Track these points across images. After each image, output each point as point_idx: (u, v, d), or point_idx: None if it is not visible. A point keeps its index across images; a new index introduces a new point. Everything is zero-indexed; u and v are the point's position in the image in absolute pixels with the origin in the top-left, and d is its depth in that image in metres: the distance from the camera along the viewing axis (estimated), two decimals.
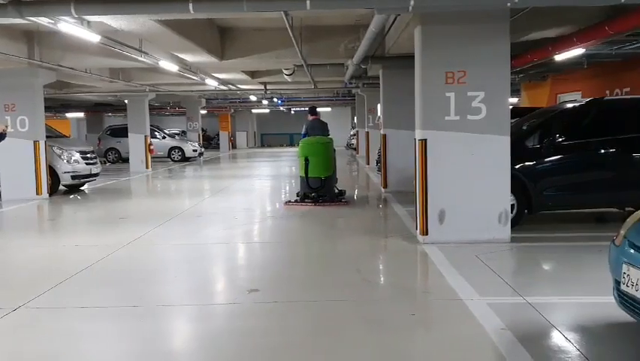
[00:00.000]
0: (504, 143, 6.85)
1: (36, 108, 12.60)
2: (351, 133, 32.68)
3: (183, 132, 30.64)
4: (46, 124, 13.21)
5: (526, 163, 7.66)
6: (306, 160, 10.81)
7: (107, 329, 4.52)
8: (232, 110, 36.75)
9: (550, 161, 7.74)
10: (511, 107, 7.26)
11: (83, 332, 4.44)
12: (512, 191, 7.05)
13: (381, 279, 6.15)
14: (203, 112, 31.62)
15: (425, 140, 6.90)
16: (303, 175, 10.86)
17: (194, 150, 26.62)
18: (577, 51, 9.76)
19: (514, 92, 16.85)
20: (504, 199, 6.93)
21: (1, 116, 12.27)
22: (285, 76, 15.32)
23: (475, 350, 3.92)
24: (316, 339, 4.19)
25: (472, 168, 6.88)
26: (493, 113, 6.82)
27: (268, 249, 7.60)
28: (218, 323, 4.67)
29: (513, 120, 7.75)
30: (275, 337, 4.25)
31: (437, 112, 6.86)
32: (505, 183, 6.90)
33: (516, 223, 7.34)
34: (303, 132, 11.73)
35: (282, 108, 34.88)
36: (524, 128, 8.28)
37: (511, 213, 7.17)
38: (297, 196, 11.13)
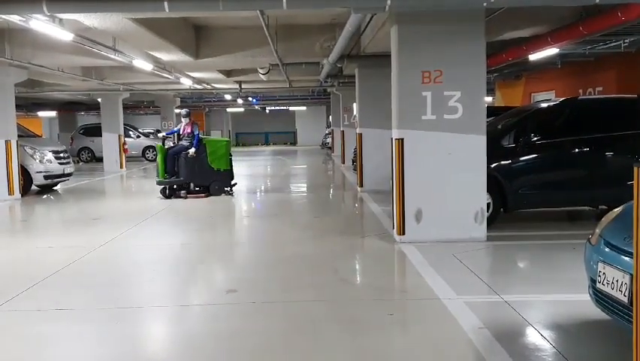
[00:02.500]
0: (480, 142, 6.91)
1: (7, 107, 12.33)
2: (327, 132, 32.69)
3: (158, 131, 30.29)
4: (17, 123, 12.94)
5: (502, 162, 7.73)
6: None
7: (82, 331, 4.43)
8: (207, 109, 36.48)
9: (526, 160, 7.82)
10: (486, 106, 7.32)
11: (56, 335, 4.36)
12: (488, 190, 7.11)
13: (359, 279, 6.15)
14: (178, 111, 31.29)
15: (402, 139, 6.93)
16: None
17: None
18: (551, 51, 9.90)
19: (489, 91, 17.03)
20: (480, 198, 6.99)
21: None
22: (261, 75, 15.24)
23: (453, 348, 3.95)
24: (293, 340, 4.17)
25: (448, 167, 6.92)
26: (469, 112, 6.87)
27: (245, 249, 7.56)
28: (196, 324, 4.61)
29: (488, 119, 7.81)
30: (252, 338, 4.22)
31: (414, 111, 6.89)
32: (482, 182, 6.96)
33: (492, 222, 7.40)
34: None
35: (257, 107, 34.73)
36: (499, 127, 8.36)
37: (487, 211, 7.24)
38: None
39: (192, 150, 11.78)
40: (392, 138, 7.15)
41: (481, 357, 3.74)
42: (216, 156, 12.09)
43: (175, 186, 11.88)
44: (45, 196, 13.10)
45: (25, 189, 12.82)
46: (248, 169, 20.79)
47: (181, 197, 11.74)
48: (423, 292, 5.16)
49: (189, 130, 12.11)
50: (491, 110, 10.81)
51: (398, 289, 5.74)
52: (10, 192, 12.15)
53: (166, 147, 12.38)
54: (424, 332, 4.28)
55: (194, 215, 9.95)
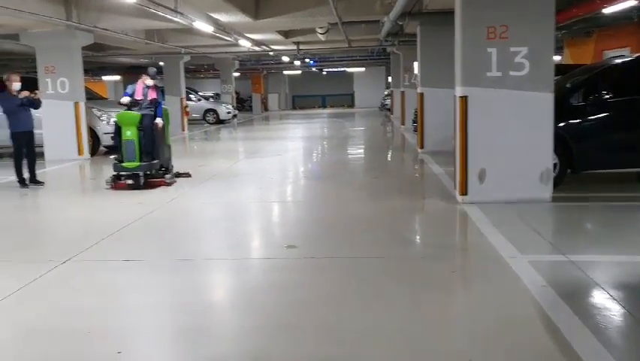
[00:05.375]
0: (548, 100, 6.66)
1: (75, 70, 12.77)
2: (386, 93, 32.27)
3: (217, 95, 30.75)
4: (84, 86, 13.39)
5: (570, 121, 7.45)
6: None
7: (148, 281, 4.63)
8: (264, 72, 36.63)
9: (595, 119, 7.49)
10: (554, 63, 7.03)
11: (125, 284, 4.57)
12: (555, 150, 6.88)
13: (420, 237, 6.13)
14: (237, 74, 31.59)
15: (466, 97, 6.76)
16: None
17: (228, 113, 26.69)
18: (628, 3, 9.31)
19: (557, 49, 16.31)
20: (546, 158, 6.77)
21: (42, 78, 12.50)
22: (319, 35, 15.15)
23: (516, 305, 3.89)
24: (353, 294, 4.20)
25: (514, 126, 6.72)
26: (536, 69, 6.62)
27: (305, 208, 7.64)
28: (256, 276, 4.73)
29: (556, 78, 7.51)
30: (310, 290, 4.29)
31: (478, 68, 6.69)
32: (548, 142, 6.74)
33: (558, 183, 7.18)
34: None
35: (314, 69, 34.58)
36: (568, 85, 8.02)
37: (554, 172, 7.02)
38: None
39: (160, 122, 9.05)
40: (455, 96, 6.99)
41: (545, 315, 3.68)
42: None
43: (141, 173, 8.68)
44: (112, 157, 13.54)
45: (94, 150, 13.34)
46: (305, 132, 20.88)
47: (167, 184, 8.91)
48: (486, 251, 5.10)
49: (154, 96, 9.20)
50: (560, 69, 10.41)
51: (460, 248, 5.69)
52: (80, 152, 12.68)
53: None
54: (486, 289, 4.23)
55: (252, 176, 10.10)
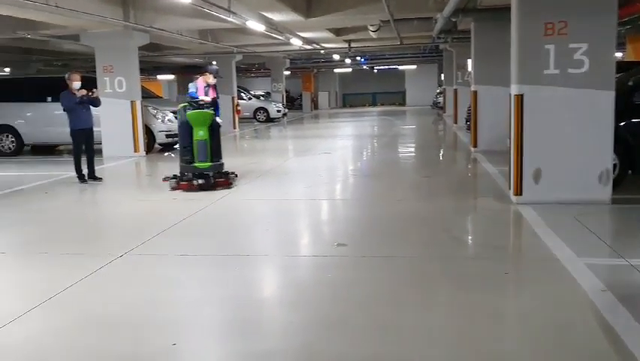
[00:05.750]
0: (608, 98, 6.43)
1: (132, 69, 13.13)
2: (438, 91, 31.85)
3: (268, 93, 31.05)
4: (141, 85, 13.75)
5: (631, 120, 7.17)
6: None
7: (202, 275, 4.71)
8: (315, 71, 36.74)
9: None
10: (615, 60, 6.77)
11: (178, 278, 4.66)
12: (615, 150, 6.64)
13: (472, 238, 6.02)
14: (287, 73, 31.82)
15: (522, 95, 6.60)
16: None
17: (278, 111, 26.92)
18: None
19: (619, 45, 15.71)
20: (606, 158, 6.54)
21: (100, 77, 12.92)
22: (371, 33, 15.08)
23: (573, 309, 3.77)
24: (403, 293, 4.16)
25: (572, 125, 6.52)
26: (596, 66, 6.40)
27: (354, 206, 7.62)
28: (306, 273, 4.75)
29: (617, 75, 7.24)
30: (360, 289, 4.27)
31: (535, 65, 6.52)
32: (608, 141, 6.50)
33: (618, 184, 6.92)
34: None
35: (365, 67, 34.46)
36: (630, 83, 7.72)
37: (613, 173, 6.77)
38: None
39: (220, 121, 9.01)
40: (511, 94, 6.83)
41: (604, 320, 3.55)
42: None
43: (211, 173, 8.44)
44: (167, 154, 13.92)
45: (149, 147, 13.70)
46: (355, 130, 20.84)
47: (230, 183, 8.58)
48: (541, 253, 4.96)
49: (214, 95, 9.18)
50: (622, 66, 10.03)
51: (514, 249, 5.57)
52: (136, 149, 13.04)
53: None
54: (541, 292, 4.11)
55: (303, 174, 10.15)
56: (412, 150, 14.44)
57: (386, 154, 13.33)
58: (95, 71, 13.19)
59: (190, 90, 9.27)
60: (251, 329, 3.61)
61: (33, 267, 5.05)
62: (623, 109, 6.88)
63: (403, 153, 13.84)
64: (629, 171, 7.23)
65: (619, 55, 17.92)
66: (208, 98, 9.09)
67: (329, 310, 3.88)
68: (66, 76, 9.36)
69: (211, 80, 9.15)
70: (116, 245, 5.51)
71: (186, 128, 8.62)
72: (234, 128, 21.23)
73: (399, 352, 3.26)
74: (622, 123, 6.99)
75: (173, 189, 8.42)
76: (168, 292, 4.34)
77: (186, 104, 8.69)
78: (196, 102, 8.73)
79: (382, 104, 41.89)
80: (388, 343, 3.36)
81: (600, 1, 6.39)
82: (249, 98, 27.19)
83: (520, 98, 6.61)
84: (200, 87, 9.19)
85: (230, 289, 4.38)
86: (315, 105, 39.15)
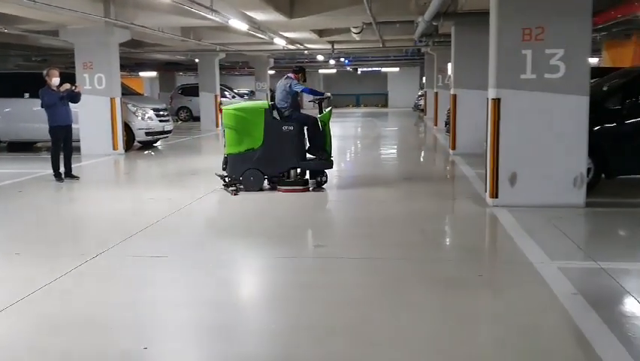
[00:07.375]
0: (583, 103, 6.53)
1: (112, 66, 13.01)
2: (419, 94, 32.02)
3: (252, 92, 30.96)
4: (121, 82, 13.64)
5: (605, 125, 7.29)
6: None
7: (176, 277, 4.68)
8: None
9: (632, 123, 7.30)
10: (590, 65, 6.88)
11: (153, 279, 4.64)
12: (589, 154, 6.74)
13: (448, 240, 6.08)
14: (271, 72, 31.77)
15: (499, 99, 6.67)
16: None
17: None
18: None
19: (595, 51, 15.96)
20: (580, 162, 6.64)
21: (79, 74, 12.78)
22: (354, 34, 15.12)
23: (544, 313, 3.82)
24: (378, 295, 4.19)
25: (547, 129, 6.61)
26: (572, 71, 6.49)
27: (333, 208, 7.64)
28: (282, 275, 4.74)
29: (592, 81, 7.36)
30: (336, 291, 4.28)
31: (512, 70, 6.60)
32: (583, 146, 6.60)
33: (592, 188, 7.03)
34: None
35: (348, 68, 34.55)
36: (605, 88, 7.85)
37: (587, 176, 6.88)
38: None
39: None
40: (488, 98, 6.91)
41: (574, 323, 3.61)
42: None
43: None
44: (146, 152, 13.83)
45: (128, 145, 13.59)
46: (339, 130, 20.85)
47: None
48: (514, 256, 5.03)
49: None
50: (598, 72, 10.19)
51: (489, 252, 5.63)
52: (115, 147, 12.92)
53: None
54: (514, 295, 4.17)
55: None
56: (394, 151, 14.51)
57: (368, 155, 13.38)
58: (74, 67, 13.06)
59: (299, 88, 9.21)
60: (226, 332, 3.60)
61: (3, 268, 4.98)
62: (597, 114, 6.99)
63: (384, 154, 13.89)
64: (603, 175, 7.34)
65: (595, 61, 18.19)
66: (328, 94, 9.27)
67: (299, 311, 3.89)
68: (44, 72, 9.24)
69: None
70: (91, 245, 5.47)
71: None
72: (217, 126, 21.14)
73: (363, 353, 3.27)
74: (596, 128, 7.10)
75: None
76: (138, 292, 4.31)
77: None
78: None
79: (366, 105, 41.97)
80: (354, 345, 3.37)
81: (576, 8, 6.49)
82: (233, 97, 27.09)
83: (497, 102, 6.68)
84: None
85: (204, 290, 4.36)
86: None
